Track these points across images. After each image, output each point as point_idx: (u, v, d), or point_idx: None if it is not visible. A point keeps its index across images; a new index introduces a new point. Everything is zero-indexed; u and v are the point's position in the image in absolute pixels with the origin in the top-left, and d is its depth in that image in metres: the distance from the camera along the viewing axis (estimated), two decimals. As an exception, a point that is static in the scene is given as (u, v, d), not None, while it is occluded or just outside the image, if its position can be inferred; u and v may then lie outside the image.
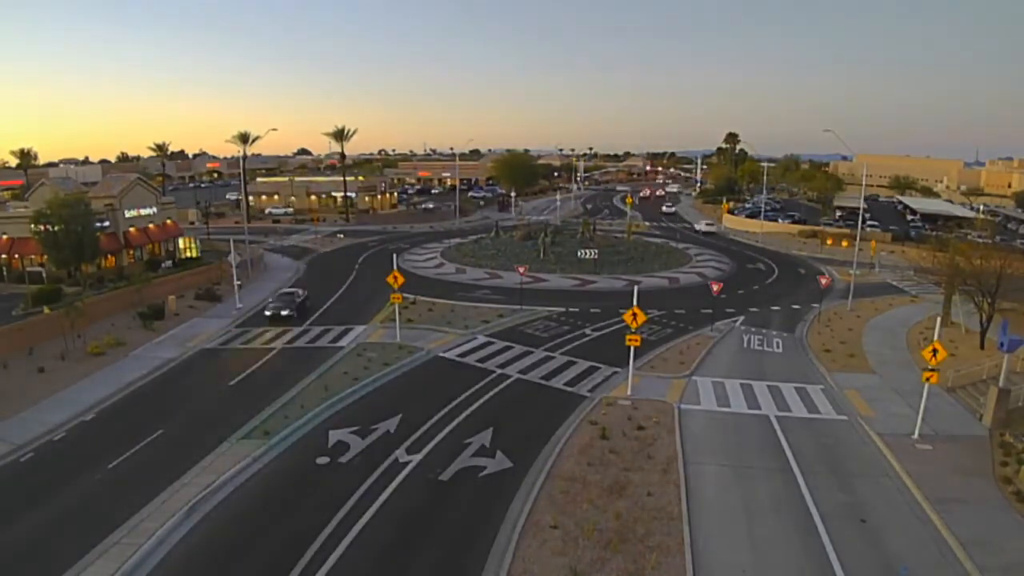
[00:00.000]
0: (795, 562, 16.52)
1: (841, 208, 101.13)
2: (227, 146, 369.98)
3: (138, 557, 16.43)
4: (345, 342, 34.94)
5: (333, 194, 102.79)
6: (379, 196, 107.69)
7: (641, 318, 27.95)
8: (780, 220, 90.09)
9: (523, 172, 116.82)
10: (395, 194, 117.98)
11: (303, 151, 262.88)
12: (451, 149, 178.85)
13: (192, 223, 79.10)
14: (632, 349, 28.13)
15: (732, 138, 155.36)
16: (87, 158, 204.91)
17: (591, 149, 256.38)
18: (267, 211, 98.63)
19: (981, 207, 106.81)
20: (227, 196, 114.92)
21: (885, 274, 58.38)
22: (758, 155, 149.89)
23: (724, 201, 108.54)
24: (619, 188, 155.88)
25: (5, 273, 49.01)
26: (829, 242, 74.79)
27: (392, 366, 30.85)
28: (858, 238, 51.69)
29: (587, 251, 57.22)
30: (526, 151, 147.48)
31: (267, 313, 40.12)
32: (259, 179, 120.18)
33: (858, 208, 59.79)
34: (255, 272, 53.67)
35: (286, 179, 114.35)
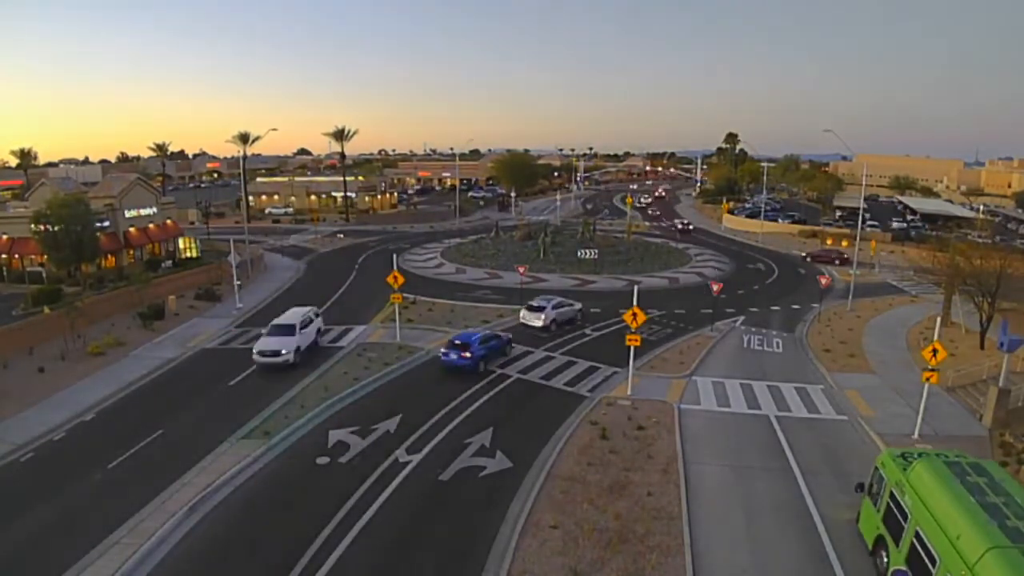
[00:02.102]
0: (795, 562, 16.51)
1: (841, 208, 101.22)
2: (227, 146, 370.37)
3: (138, 557, 16.42)
4: (345, 342, 34.93)
5: (333, 194, 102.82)
6: (379, 196, 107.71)
7: (641, 318, 27.94)
8: (780, 220, 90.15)
9: (523, 172, 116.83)
10: (395, 194, 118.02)
11: (303, 151, 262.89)
12: (451, 149, 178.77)
13: (192, 223, 79.14)
14: (632, 349, 28.11)
15: (732, 138, 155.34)
16: (87, 158, 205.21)
17: (591, 149, 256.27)
18: (267, 211, 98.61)
19: (981, 207, 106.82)
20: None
21: (885, 274, 58.39)
22: (758, 155, 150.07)
23: (724, 201, 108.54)
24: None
25: (5, 273, 49.03)
26: (829, 242, 74.81)
27: (392, 366, 30.83)
28: (858, 238, 51.68)
29: (587, 251, 57.24)
30: (526, 151, 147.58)
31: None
32: (259, 179, 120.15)
33: (858, 208, 59.78)
34: (255, 272, 53.68)
35: (286, 179, 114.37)
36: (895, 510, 15.66)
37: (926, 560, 13.88)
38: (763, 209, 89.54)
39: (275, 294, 47.87)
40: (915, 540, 14.46)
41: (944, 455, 16.32)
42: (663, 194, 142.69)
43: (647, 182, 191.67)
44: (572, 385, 29.01)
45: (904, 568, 14.22)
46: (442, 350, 30.49)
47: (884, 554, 15.83)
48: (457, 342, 30.17)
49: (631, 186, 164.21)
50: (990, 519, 13.17)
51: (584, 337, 36.61)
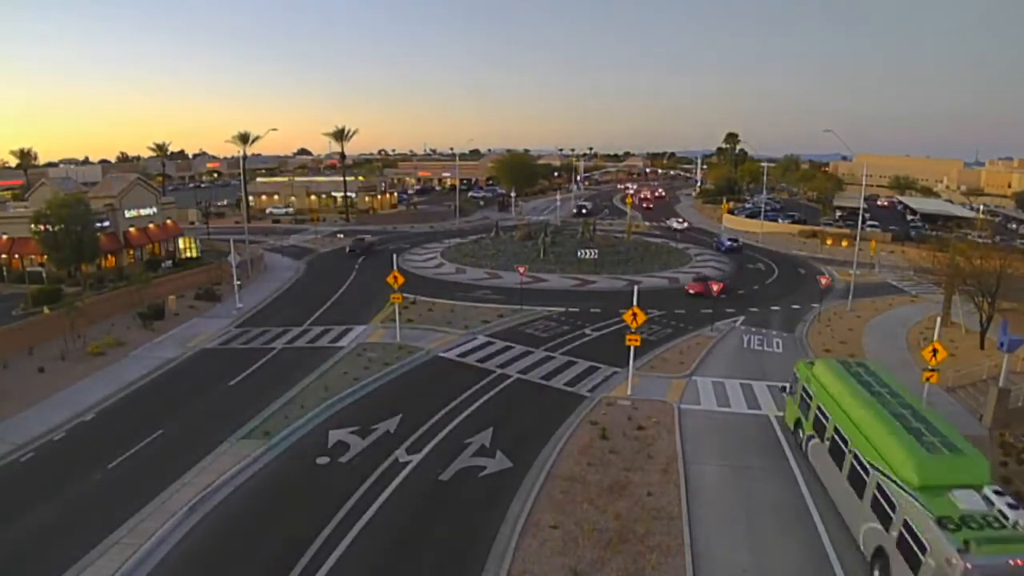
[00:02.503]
0: (795, 562, 16.52)
1: (841, 208, 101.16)
2: (227, 146, 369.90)
3: (138, 557, 16.44)
4: (345, 342, 34.93)
5: (333, 194, 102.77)
6: (379, 196, 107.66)
7: (641, 318, 27.95)
8: (780, 220, 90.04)
9: (523, 172, 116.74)
10: (395, 194, 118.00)
11: (303, 151, 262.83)
12: (451, 149, 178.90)
13: (192, 223, 79.10)
14: (632, 349, 28.12)
15: (732, 138, 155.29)
16: (87, 158, 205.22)
17: (591, 149, 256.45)
18: (268, 211, 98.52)
19: (981, 207, 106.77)
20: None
21: (885, 274, 58.37)
22: (758, 155, 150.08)
23: (724, 201, 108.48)
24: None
25: (5, 273, 49.03)
26: (829, 242, 74.77)
27: (392, 366, 30.84)
28: (858, 238, 51.65)
29: (587, 251, 57.19)
30: (526, 151, 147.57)
31: None
32: (259, 179, 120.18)
33: (858, 208, 59.76)
34: (255, 272, 53.66)
35: (286, 179, 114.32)
36: (805, 397, 22.27)
37: (824, 423, 20.31)
38: (763, 209, 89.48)
39: (275, 294, 47.87)
40: (818, 412, 21.02)
41: (837, 360, 23.67)
42: (663, 194, 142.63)
43: (650, 182, 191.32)
44: (572, 385, 29.01)
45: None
46: (719, 241, 64.88)
47: (800, 430, 22.32)
48: (729, 239, 65.31)
49: (630, 186, 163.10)
50: (863, 390, 19.80)
51: (584, 337, 36.61)
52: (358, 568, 16.20)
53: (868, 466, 16.99)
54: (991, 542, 13.28)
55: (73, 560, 16.31)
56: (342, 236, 77.09)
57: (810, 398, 21.70)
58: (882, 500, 15.96)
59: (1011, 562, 13.05)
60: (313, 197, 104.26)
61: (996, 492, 15.12)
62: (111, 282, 45.69)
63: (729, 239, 71.23)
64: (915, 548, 14.23)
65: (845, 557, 16.61)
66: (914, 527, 14.45)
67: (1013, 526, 13.88)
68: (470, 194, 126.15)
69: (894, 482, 15.73)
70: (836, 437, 19.21)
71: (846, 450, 18.36)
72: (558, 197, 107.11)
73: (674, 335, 37.18)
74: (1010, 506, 14.37)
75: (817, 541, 17.36)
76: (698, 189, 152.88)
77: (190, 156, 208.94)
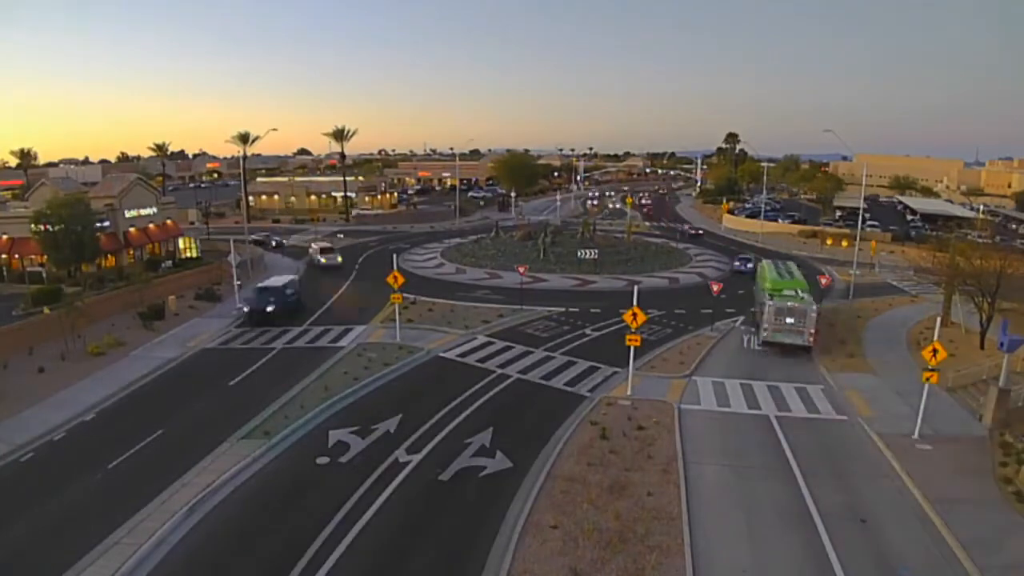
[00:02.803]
0: (795, 562, 16.52)
1: (841, 208, 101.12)
2: (227, 146, 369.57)
3: (138, 557, 16.43)
4: (345, 342, 34.93)
5: (333, 194, 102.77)
6: (379, 196, 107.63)
7: (641, 318, 27.92)
8: (780, 220, 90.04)
9: (523, 172, 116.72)
10: (395, 194, 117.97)
11: (303, 151, 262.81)
12: (451, 149, 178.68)
13: (192, 223, 79.06)
14: (632, 349, 28.10)
15: (732, 138, 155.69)
16: (87, 158, 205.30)
17: (591, 149, 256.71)
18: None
19: (981, 207, 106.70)
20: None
21: (885, 274, 58.36)
22: (758, 155, 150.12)
23: (724, 201, 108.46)
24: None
25: (5, 273, 49.02)
26: (829, 242, 74.77)
27: (392, 366, 30.83)
28: (858, 238, 51.64)
29: (587, 251, 57.15)
30: (526, 151, 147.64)
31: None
32: (259, 179, 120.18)
33: (858, 208, 59.73)
34: (255, 272, 53.62)
35: (286, 179, 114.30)
36: (759, 280, 39.70)
37: (761, 286, 37.08)
38: (763, 209, 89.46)
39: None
40: (760, 284, 38.38)
41: (774, 260, 45.20)
42: (664, 192, 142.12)
43: (647, 185, 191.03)
44: (572, 385, 29.01)
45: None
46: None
47: (760, 303, 35.84)
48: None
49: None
50: (778, 272, 38.22)
51: (584, 337, 36.61)
52: (358, 568, 16.20)
53: (762, 291, 35.99)
54: (780, 297, 33.27)
55: (73, 560, 16.29)
56: (342, 236, 77.09)
57: (758, 279, 40.67)
58: (762, 301, 34.34)
59: (789, 304, 32.50)
60: (313, 197, 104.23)
61: (806, 292, 34.64)
62: (111, 282, 45.66)
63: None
64: (763, 308, 33.48)
65: (845, 557, 16.61)
66: (764, 302, 33.44)
67: (799, 298, 33.25)
68: (470, 194, 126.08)
69: (764, 292, 35.07)
70: (761, 289, 36.59)
71: (761, 290, 36.55)
72: (558, 197, 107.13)
73: (674, 335, 37.17)
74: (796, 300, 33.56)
75: (817, 541, 17.36)
76: (698, 189, 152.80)
77: (190, 156, 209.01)
